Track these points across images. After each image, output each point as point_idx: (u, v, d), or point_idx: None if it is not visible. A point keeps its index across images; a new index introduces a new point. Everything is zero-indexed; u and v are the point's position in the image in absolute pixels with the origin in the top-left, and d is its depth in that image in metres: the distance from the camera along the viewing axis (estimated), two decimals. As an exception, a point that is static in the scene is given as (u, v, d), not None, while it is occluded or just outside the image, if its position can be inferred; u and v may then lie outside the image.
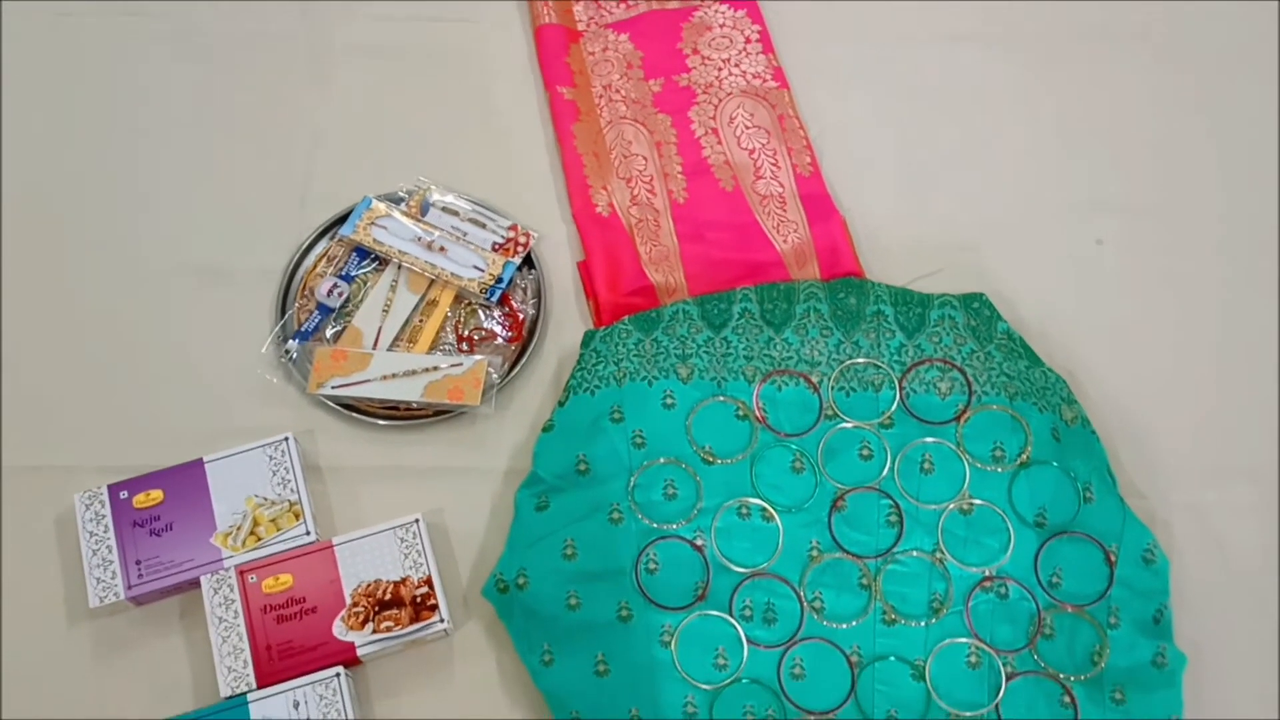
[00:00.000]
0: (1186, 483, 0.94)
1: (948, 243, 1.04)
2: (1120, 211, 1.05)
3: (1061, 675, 0.84)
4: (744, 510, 0.89)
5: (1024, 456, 0.90)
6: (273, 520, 0.91)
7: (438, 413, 0.96)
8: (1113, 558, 0.87)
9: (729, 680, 0.84)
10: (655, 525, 0.88)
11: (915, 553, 0.88)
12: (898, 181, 1.07)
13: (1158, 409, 0.97)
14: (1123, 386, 0.97)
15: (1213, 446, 0.95)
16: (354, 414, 0.96)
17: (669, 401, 0.93)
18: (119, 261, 1.03)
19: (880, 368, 0.94)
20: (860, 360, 0.94)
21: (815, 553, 0.88)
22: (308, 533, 0.91)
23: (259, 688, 0.85)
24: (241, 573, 0.89)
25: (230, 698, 0.85)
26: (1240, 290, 1.02)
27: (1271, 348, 0.99)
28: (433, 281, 1.01)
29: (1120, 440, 0.95)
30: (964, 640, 0.85)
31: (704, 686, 0.84)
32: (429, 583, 0.88)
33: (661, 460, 0.90)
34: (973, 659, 0.85)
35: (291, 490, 0.92)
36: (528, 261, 1.03)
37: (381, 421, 0.96)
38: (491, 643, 0.89)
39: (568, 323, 1.01)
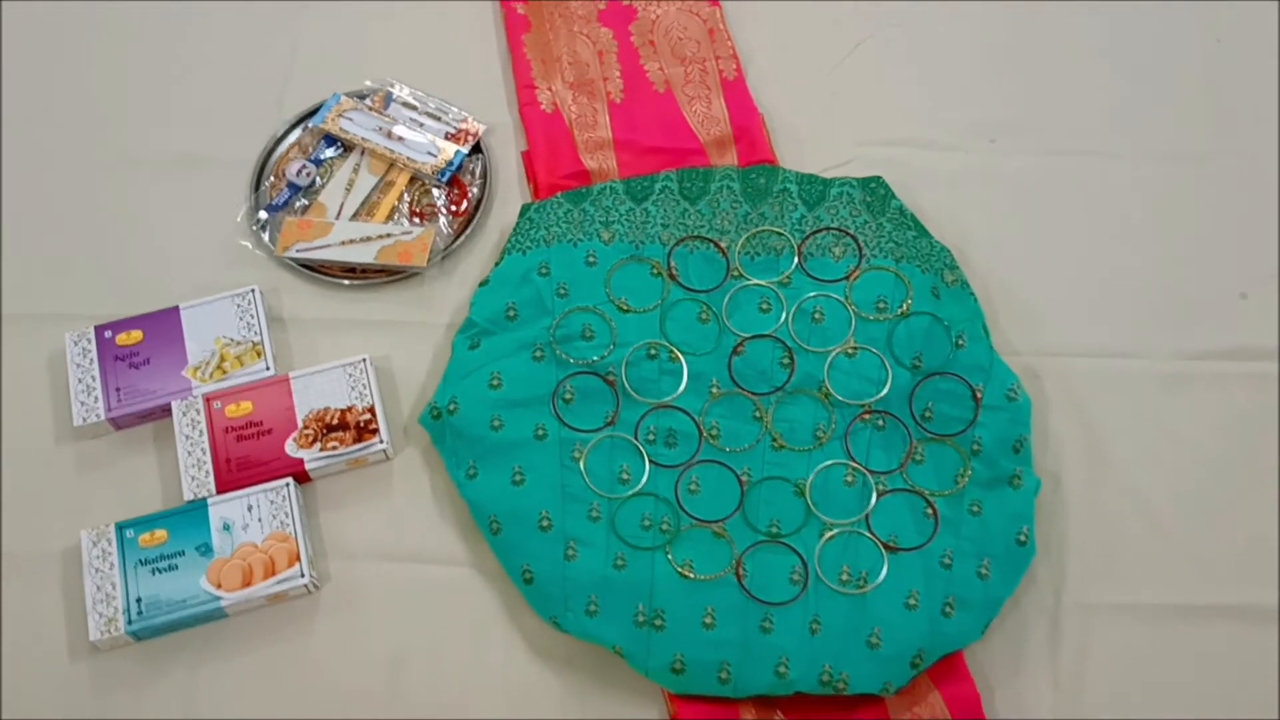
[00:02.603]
0: (1057, 343, 1.04)
1: (859, 140, 1.15)
2: (1011, 116, 1.16)
3: (927, 491, 0.94)
4: (653, 352, 1.00)
5: (904, 308, 1.01)
6: (237, 357, 1.03)
7: (391, 277, 1.08)
8: (979, 395, 0.97)
9: (631, 493, 0.95)
10: (573, 361, 0.99)
11: (803, 390, 0.98)
12: (815, 88, 1.18)
13: (1037, 282, 1.07)
14: (1007, 263, 1.07)
15: (1085, 314, 1.05)
16: (316, 274, 1.08)
17: (591, 260, 1.04)
18: (115, 147, 1.15)
19: (782, 235, 1.05)
20: (765, 229, 1.05)
21: (715, 389, 0.99)
22: (267, 368, 1.02)
23: (218, 494, 0.97)
24: (208, 400, 1.00)
25: (192, 501, 0.96)
26: (1112, 185, 1.12)
27: (1145, 237, 1.09)
28: (392, 164, 1.13)
29: (1000, 306, 1.05)
30: (842, 462, 0.95)
31: (608, 497, 0.94)
32: (372, 411, 1.00)
33: (581, 308, 1.02)
34: (849, 479, 0.95)
35: (255, 333, 1.04)
36: (477, 149, 1.15)
37: (345, 281, 1.08)
38: (426, 467, 1.00)
39: (510, 203, 1.12)
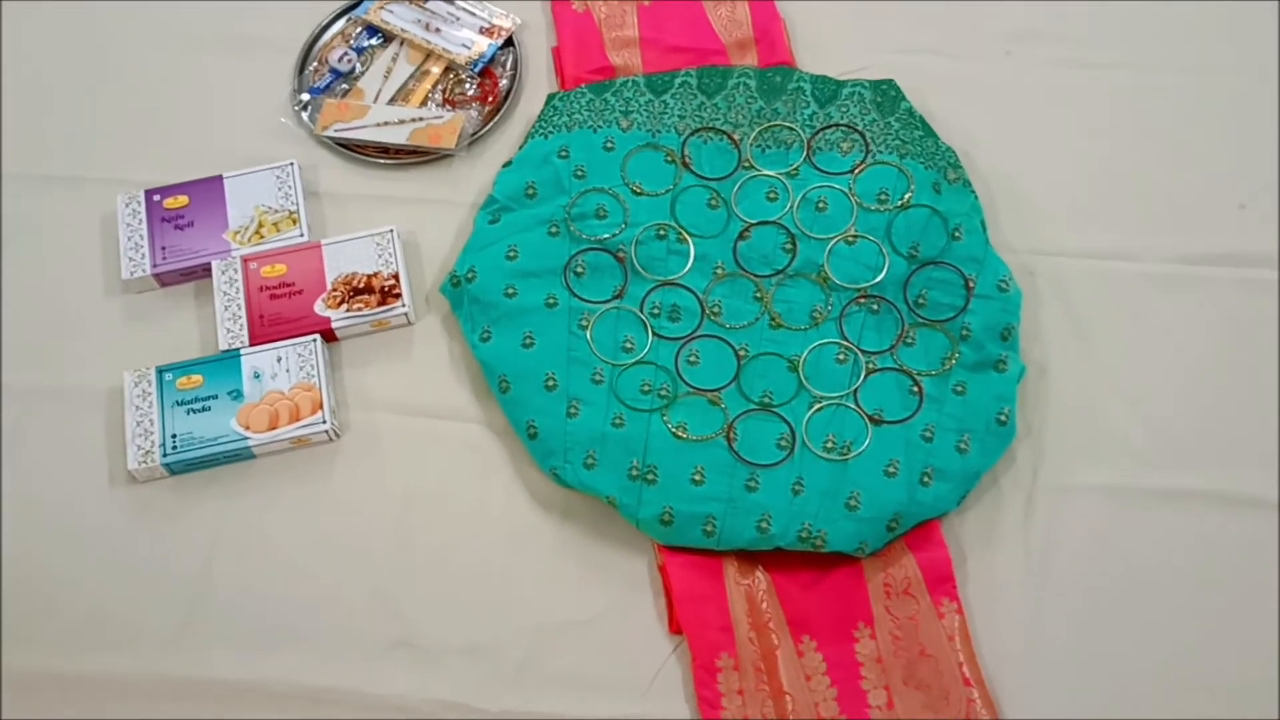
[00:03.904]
0: (1054, 244, 1.07)
1: (876, 48, 1.19)
2: (1027, 28, 1.19)
3: (914, 371, 0.99)
4: (662, 232, 1.05)
5: (905, 200, 1.05)
6: (275, 224, 1.10)
7: (422, 158, 1.14)
8: (971, 284, 1.01)
9: (633, 361, 1.00)
10: (585, 238, 1.05)
11: (803, 274, 1.03)
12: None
13: (1039, 186, 1.10)
14: (1011, 167, 1.11)
15: (1084, 218, 1.09)
16: (352, 153, 1.15)
17: (609, 145, 1.09)
18: (172, 28, 1.22)
19: (793, 130, 1.09)
20: (777, 123, 1.10)
21: (720, 270, 1.04)
22: (302, 234, 1.09)
23: (251, 345, 1.04)
24: (245, 260, 1.07)
25: (227, 350, 1.04)
26: (1121, 96, 1.15)
27: (1149, 147, 1.12)
28: (428, 55, 1.19)
29: (1001, 207, 1.09)
30: (835, 342, 1.00)
31: (611, 363, 1.00)
32: (396, 277, 1.06)
33: (596, 189, 1.07)
34: (841, 357, 1.00)
35: (292, 202, 1.10)
36: (509, 44, 1.20)
37: (379, 160, 1.14)
38: (444, 333, 1.06)
39: (538, 96, 1.18)
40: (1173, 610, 0.93)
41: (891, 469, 0.95)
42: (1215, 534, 0.95)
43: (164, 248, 1.08)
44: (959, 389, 0.98)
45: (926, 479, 0.94)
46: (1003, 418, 0.96)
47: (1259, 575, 0.93)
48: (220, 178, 1.11)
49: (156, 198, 1.11)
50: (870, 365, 0.99)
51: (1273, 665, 0.90)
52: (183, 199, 1.11)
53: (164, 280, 1.08)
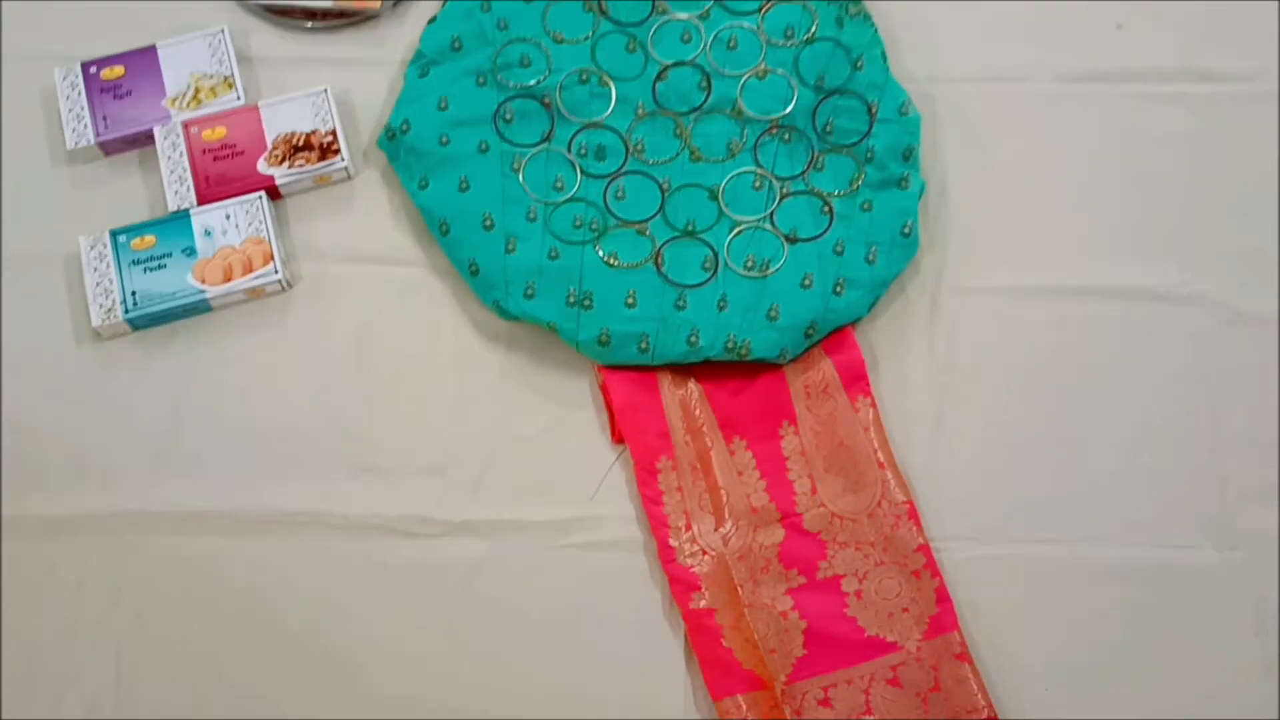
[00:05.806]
0: (950, 71, 1.15)
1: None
2: None
3: (825, 193, 1.07)
4: (584, 78, 1.11)
5: (810, 35, 1.12)
6: (211, 89, 1.14)
7: (349, 19, 1.18)
8: (874, 110, 1.09)
9: (565, 199, 1.07)
10: (512, 85, 1.11)
11: (719, 110, 1.10)
12: None
13: (933, 18, 1.17)
14: (909, 2, 1.18)
15: (976, 45, 1.16)
16: (279, 18, 1.18)
17: (529, -3, 1.15)
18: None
19: (703, -26, 1.16)
20: (688, -31, 1.16)
21: (641, 110, 1.10)
22: (238, 98, 1.13)
23: (199, 205, 1.09)
24: (186, 125, 1.12)
25: (176, 211, 1.09)
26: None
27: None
28: (346, -81, 1.23)
29: (902, 40, 1.16)
30: (751, 170, 1.08)
31: (544, 201, 1.07)
32: (334, 134, 1.11)
33: (519, 39, 1.12)
34: (757, 184, 1.07)
35: (226, 68, 1.14)
36: (426, -95, 1.24)
37: (307, 24, 1.18)
38: (383, 185, 1.12)
39: (458, -45, 1.22)
40: (1064, 393, 1.03)
41: (807, 281, 1.03)
42: (1102, 322, 1.05)
43: (105, 117, 1.12)
44: (866, 206, 1.06)
45: (839, 289, 1.03)
46: (906, 230, 1.05)
47: (1143, 357, 1.04)
48: (154, 47, 1.15)
49: (93, 69, 1.14)
50: (784, 190, 1.07)
51: (1151, 445, 1.01)
52: (119, 69, 1.14)
53: (108, 149, 1.12)
